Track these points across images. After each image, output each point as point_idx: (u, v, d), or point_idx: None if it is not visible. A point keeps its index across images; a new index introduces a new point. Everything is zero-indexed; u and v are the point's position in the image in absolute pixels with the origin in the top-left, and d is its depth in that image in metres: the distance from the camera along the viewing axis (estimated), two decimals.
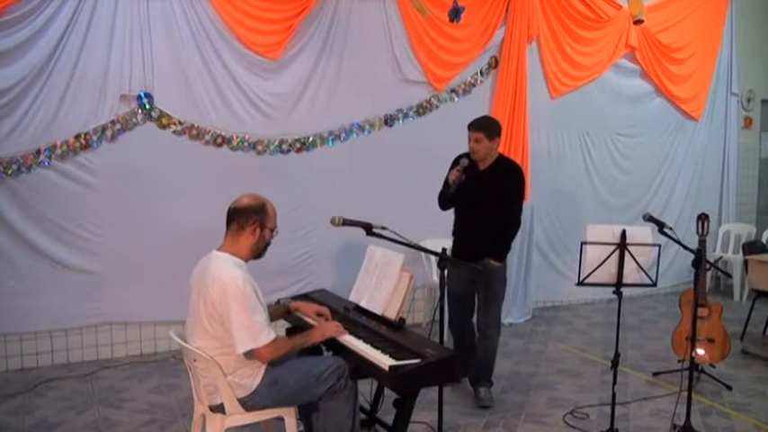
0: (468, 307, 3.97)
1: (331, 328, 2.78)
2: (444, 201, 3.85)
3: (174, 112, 4.58)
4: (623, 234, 3.15)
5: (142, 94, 4.45)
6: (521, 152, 5.82)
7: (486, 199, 3.70)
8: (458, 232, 3.95)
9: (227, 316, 2.42)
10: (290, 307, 3.07)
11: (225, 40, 4.66)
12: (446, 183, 3.78)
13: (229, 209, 2.64)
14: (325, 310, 2.98)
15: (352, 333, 2.77)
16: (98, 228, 4.44)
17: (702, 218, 4.11)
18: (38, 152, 4.21)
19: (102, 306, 4.51)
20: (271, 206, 2.68)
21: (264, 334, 2.46)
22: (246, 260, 2.60)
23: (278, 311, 3.03)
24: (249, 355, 2.48)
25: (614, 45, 6.31)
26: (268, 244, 2.69)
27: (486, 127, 3.69)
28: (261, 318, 2.48)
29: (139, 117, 4.48)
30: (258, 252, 2.66)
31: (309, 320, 2.99)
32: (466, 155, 3.80)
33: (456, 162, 3.80)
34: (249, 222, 2.59)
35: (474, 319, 4.04)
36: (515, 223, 3.82)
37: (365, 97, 5.23)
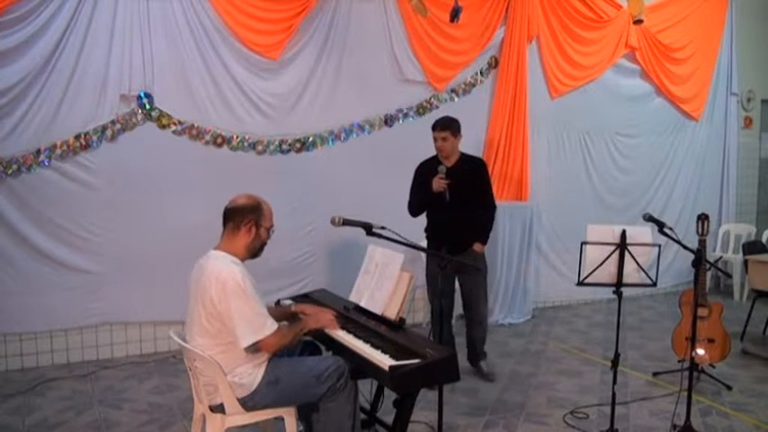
0: (449, 303, 4.16)
1: (325, 318, 2.81)
2: (419, 208, 4.13)
3: (174, 112, 4.58)
4: (623, 234, 3.15)
5: (142, 94, 4.45)
6: (521, 152, 5.83)
7: (459, 194, 3.90)
8: (435, 230, 4.13)
9: (228, 312, 2.43)
10: (295, 310, 3.06)
11: (225, 41, 4.66)
12: (413, 191, 4.12)
13: (225, 208, 2.66)
14: (330, 312, 2.98)
15: (351, 333, 2.77)
16: (98, 228, 4.44)
17: (702, 218, 4.11)
18: (38, 152, 4.21)
19: (102, 306, 4.51)
20: (267, 205, 2.69)
21: (267, 325, 2.49)
22: (243, 259, 2.61)
23: (282, 314, 3.02)
24: (252, 348, 2.48)
25: (614, 45, 6.31)
26: (264, 243, 2.70)
27: (450, 125, 3.99)
28: (262, 310, 2.50)
29: (139, 117, 4.48)
30: (254, 251, 2.67)
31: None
32: (429, 161, 4.09)
33: (422, 172, 4.08)
34: (245, 221, 2.60)
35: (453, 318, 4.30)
36: (493, 208, 4.20)
37: (365, 97, 5.23)
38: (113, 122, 4.40)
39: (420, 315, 5.62)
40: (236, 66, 4.73)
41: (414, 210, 4.15)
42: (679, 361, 4.19)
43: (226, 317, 2.44)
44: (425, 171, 4.06)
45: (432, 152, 4.29)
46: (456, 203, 3.90)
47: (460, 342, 4.27)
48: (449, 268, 3.72)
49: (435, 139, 4.02)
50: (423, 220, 4.32)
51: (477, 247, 4.07)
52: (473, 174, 4.08)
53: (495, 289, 5.54)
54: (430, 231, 4.17)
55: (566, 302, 6.40)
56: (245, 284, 2.45)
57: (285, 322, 2.89)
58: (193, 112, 4.65)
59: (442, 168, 3.91)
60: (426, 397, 3.62)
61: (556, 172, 6.21)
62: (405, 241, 2.89)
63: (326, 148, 5.15)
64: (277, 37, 4.81)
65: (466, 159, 4.13)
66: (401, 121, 5.43)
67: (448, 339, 4.16)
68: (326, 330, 2.80)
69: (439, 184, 3.86)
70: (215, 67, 4.66)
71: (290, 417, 2.64)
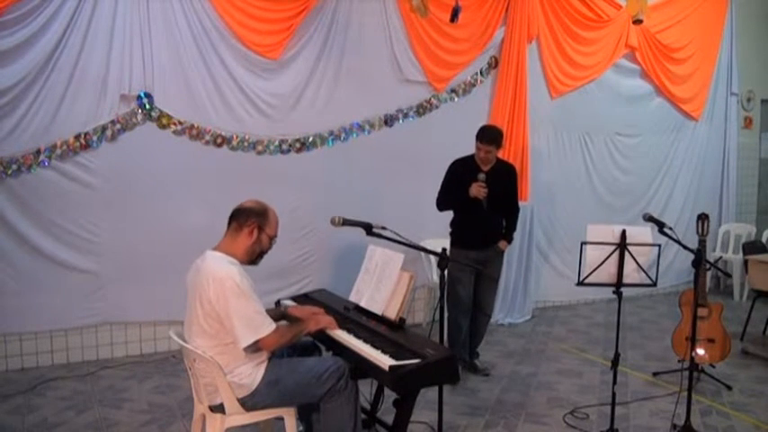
0: (471, 295, 4.28)
1: (325, 320, 2.81)
2: (448, 205, 4.27)
3: (174, 112, 4.58)
4: (623, 234, 3.15)
5: (142, 94, 4.45)
6: (521, 152, 5.82)
7: (492, 197, 4.08)
8: (465, 226, 4.25)
9: (227, 312, 2.43)
10: (286, 312, 3.05)
11: (225, 41, 4.66)
12: (444, 190, 4.23)
13: (233, 209, 2.67)
14: (319, 310, 2.97)
15: (351, 333, 2.77)
16: (98, 228, 4.44)
17: (702, 218, 4.11)
18: (38, 152, 4.21)
19: (101, 306, 4.51)
20: (273, 213, 2.70)
21: (266, 324, 2.49)
22: (241, 262, 2.60)
23: (274, 316, 3.01)
24: (251, 348, 2.48)
25: (614, 45, 6.31)
26: (264, 252, 2.70)
27: (496, 140, 4.12)
28: (260, 309, 2.50)
29: (139, 117, 4.48)
30: (253, 257, 2.66)
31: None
32: (464, 161, 4.21)
33: (457, 172, 4.21)
34: (248, 223, 2.61)
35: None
36: (518, 211, 4.45)
37: (365, 97, 5.23)
38: (113, 122, 4.40)
39: (420, 315, 5.62)
40: (236, 66, 4.72)
41: (442, 206, 4.29)
42: (679, 361, 4.19)
43: (224, 317, 2.44)
44: (461, 171, 4.19)
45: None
46: (489, 206, 4.09)
47: None
48: (467, 269, 4.01)
49: (479, 149, 4.12)
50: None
51: (502, 244, 4.30)
52: (507, 178, 4.30)
53: None
54: (457, 228, 4.30)
55: (566, 302, 6.40)
56: (242, 284, 2.45)
57: (284, 321, 2.90)
58: (193, 112, 4.64)
59: (482, 176, 4.06)
60: (426, 397, 3.61)
61: (556, 172, 6.21)
62: (405, 241, 2.89)
63: (326, 148, 5.15)
64: (277, 37, 4.80)
65: (501, 164, 4.29)
66: (401, 121, 5.43)
67: (465, 341, 4.30)
68: (327, 330, 2.81)
69: (479, 191, 4.01)
70: (215, 67, 4.66)
71: (290, 417, 2.64)
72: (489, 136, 4.10)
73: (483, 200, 4.04)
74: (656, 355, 4.83)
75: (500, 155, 5.72)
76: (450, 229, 4.35)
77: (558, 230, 6.25)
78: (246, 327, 2.44)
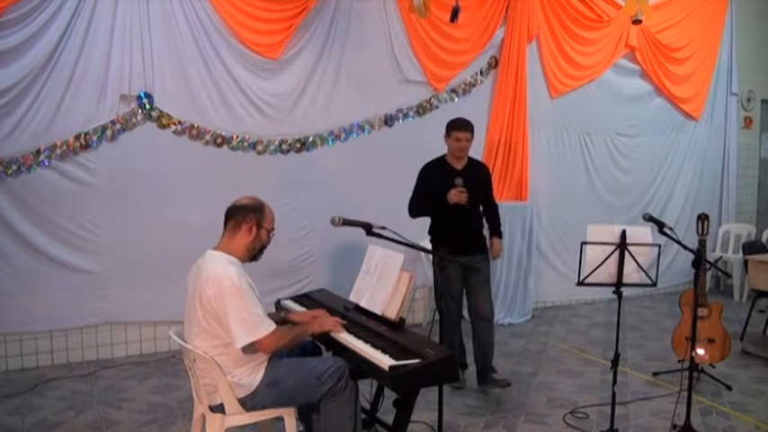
0: (461, 306, 4.14)
1: (329, 322, 2.79)
2: (424, 210, 4.09)
3: (174, 112, 4.58)
4: (623, 234, 3.15)
5: (142, 94, 4.45)
6: (521, 152, 5.83)
7: (471, 197, 3.92)
8: (447, 231, 4.03)
9: (224, 312, 2.42)
10: (287, 318, 3.02)
11: (225, 40, 4.66)
12: (418, 194, 4.08)
13: (228, 208, 2.66)
14: (321, 312, 2.95)
15: (351, 333, 2.77)
16: (98, 227, 4.44)
17: (702, 218, 4.10)
18: (38, 152, 4.21)
19: (101, 306, 4.51)
20: (269, 208, 2.70)
21: (264, 326, 2.47)
22: (242, 260, 2.60)
23: (275, 321, 2.99)
24: (249, 349, 2.48)
25: (614, 45, 6.31)
26: (264, 246, 2.69)
27: (472, 128, 4.03)
28: (258, 310, 2.49)
29: (139, 117, 4.48)
30: (254, 253, 2.66)
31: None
32: (436, 164, 4.07)
33: (429, 175, 4.06)
34: (246, 220, 2.61)
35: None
36: (497, 206, 4.30)
37: (365, 97, 5.23)
38: (113, 122, 4.40)
39: (420, 315, 5.62)
40: (236, 66, 4.73)
41: (416, 212, 4.11)
42: (679, 361, 4.18)
43: (222, 316, 2.44)
44: (434, 174, 4.04)
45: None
46: (470, 208, 3.95)
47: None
48: (455, 268, 3.81)
49: (458, 140, 3.97)
50: (423, 219, 4.32)
51: (497, 247, 4.19)
52: (483, 177, 4.18)
53: (495, 289, 5.53)
54: (437, 234, 4.12)
55: (566, 302, 6.40)
56: (240, 284, 2.44)
57: (289, 325, 2.88)
58: (193, 112, 4.65)
59: (459, 181, 3.88)
60: (426, 397, 3.61)
61: (556, 172, 6.21)
62: (405, 241, 2.89)
63: (326, 148, 5.15)
64: (277, 37, 4.81)
65: (474, 163, 4.19)
66: (401, 121, 5.43)
67: (459, 345, 4.18)
68: (331, 333, 2.79)
69: (459, 197, 3.85)
70: (215, 67, 4.66)
71: (290, 417, 2.64)
72: (466, 123, 3.98)
73: (465, 204, 3.86)
74: (656, 355, 4.83)
75: (501, 154, 5.76)
76: (429, 237, 4.18)
77: (557, 230, 6.26)
78: (243, 327, 2.43)
